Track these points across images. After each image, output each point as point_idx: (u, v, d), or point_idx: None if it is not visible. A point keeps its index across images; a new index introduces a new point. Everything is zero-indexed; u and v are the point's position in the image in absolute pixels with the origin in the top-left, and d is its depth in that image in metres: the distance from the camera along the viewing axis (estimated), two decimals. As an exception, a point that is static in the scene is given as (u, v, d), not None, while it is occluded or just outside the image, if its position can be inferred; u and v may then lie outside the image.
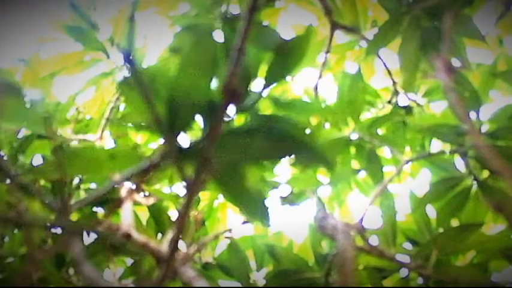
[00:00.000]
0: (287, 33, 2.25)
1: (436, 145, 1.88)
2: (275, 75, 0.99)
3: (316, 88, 1.90)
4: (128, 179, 1.00)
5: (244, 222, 1.67)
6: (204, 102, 0.92)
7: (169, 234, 0.95)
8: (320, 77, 1.89)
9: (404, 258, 1.61)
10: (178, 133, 0.93)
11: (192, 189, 0.83)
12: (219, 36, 0.97)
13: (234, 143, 0.93)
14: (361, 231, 0.98)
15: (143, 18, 2.20)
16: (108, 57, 2.16)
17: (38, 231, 1.33)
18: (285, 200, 1.56)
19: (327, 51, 1.89)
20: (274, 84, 1.00)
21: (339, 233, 0.91)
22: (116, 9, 2.16)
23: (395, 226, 1.61)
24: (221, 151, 0.90)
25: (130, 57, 0.86)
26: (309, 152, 0.95)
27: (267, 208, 1.00)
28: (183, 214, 0.84)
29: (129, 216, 1.13)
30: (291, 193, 1.59)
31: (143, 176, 0.99)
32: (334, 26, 1.86)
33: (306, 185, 1.60)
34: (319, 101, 1.89)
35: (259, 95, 0.97)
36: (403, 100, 1.99)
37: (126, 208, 1.21)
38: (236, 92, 0.79)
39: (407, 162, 1.65)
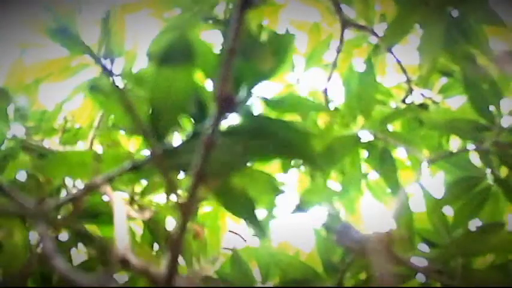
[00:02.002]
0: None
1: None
2: (258, 73, 0.93)
3: (325, 91, 1.80)
4: (109, 180, 0.98)
5: (253, 235, 1.58)
6: (186, 101, 0.90)
7: (167, 254, 0.86)
8: (329, 78, 1.80)
9: (421, 261, 1.52)
10: (163, 135, 0.91)
11: (187, 209, 0.77)
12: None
13: (227, 146, 0.90)
14: (392, 242, 0.87)
15: (136, 20, 2.11)
16: (96, 61, 2.06)
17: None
18: (294, 209, 1.48)
19: (339, 51, 1.80)
20: (261, 83, 0.94)
21: (368, 250, 0.81)
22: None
23: (412, 229, 1.52)
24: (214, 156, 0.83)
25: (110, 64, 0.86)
26: (301, 154, 0.93)
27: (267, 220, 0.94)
28: (178, 237, 0.76)
29: (124, 235, 1.01)
30: (300, 201, 1.50)
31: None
32: (345, 24, 1.77)
33: (318, 197, 1.51)
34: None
35: (247, 95, 0.92)
36: (416, 97, 1.88)
37: (120, 225, 1.10)
38: (230, 100, 0.73)
39: (431, 162, 1.55)
